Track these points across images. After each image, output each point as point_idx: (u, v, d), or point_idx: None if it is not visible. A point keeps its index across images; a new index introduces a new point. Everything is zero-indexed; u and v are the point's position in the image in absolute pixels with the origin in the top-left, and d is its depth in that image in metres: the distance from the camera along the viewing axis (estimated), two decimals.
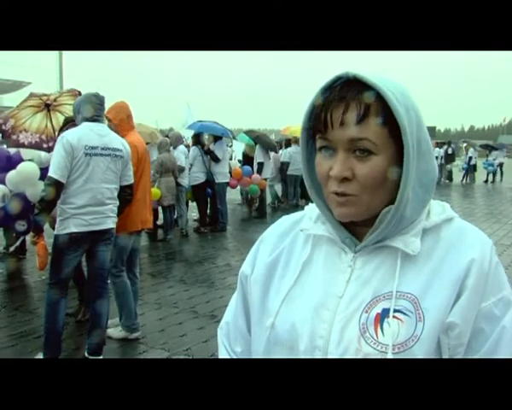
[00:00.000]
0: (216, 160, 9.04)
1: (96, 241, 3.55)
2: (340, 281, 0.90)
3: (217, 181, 9.12)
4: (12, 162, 5.41)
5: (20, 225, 5.40)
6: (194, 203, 9.51)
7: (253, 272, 1.03)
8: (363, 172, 0.83)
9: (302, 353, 0.88)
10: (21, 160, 5.32)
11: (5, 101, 28.66)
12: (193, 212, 9.98)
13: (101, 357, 3.66)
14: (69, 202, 3.41)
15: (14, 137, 4.94)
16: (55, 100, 5.13)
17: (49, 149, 4.59)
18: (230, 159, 11.91)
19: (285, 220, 1.06)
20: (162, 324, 4.55)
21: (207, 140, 9.31)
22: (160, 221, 8.71)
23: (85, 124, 3.51)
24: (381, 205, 0.86)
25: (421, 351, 0.81)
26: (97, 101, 3.56)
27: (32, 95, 5.33)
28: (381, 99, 0.81)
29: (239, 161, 12.47)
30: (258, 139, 11.37)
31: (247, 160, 11.63)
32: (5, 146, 5.81)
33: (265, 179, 11.22)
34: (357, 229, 0.91)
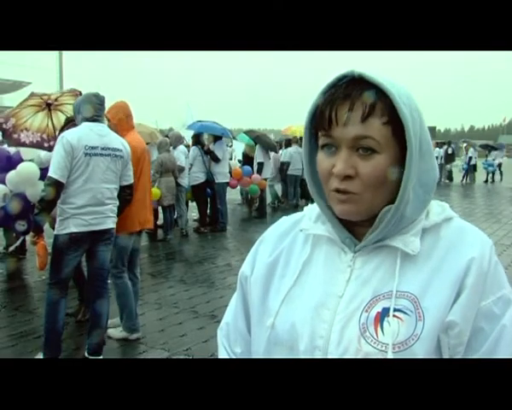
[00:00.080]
0: (216, 160, 9.04)
1: (96, 241, 3.55)
2: (340, 281, 0.90)
3: (217, 181, 9.12)
4: (12, 162, 5.41)
5: (20, 225, 5.40)
6: (194, 203, 9.50)
7: (252, 272, 1.03)
8: (366, 171, 0.83)
9: (302, 353, 0.88)
10: (21, 160, 5.32)
11: (5, 101, 28.67)
12: (193, 212, 9.98)
13: (101, 357, 3.66)
14: (69, 201, 3.41)
15: (15, 136, 4.94)
16: (56, 99, 5.13)
17: (50, 149, 4.59)
18: (230, 159, 11.91)
19: (285, 221, 1.06)
20: (162, 324, 4.55)
21: (207, 140, 9.31)
22: (160, 221, 8.70)
23: (85, 124, 3.51)
24: (381, 204, 0.86)
25: (421, 350, 0.81)
26: (97, 101, 3.56)
27: (32, 94, 5.32)
28: (385, 99, 0.82)
29: (239, 161, 12.47)
30: (258, 139, 11.37)
31: (247, 160, 11.62)
32: (6, 145, 5.82)
33: (265, 179, 11.22)
34: (356, 229, 0.92)
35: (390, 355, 0.81)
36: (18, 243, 6.29)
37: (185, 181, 8.68)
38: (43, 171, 4.70)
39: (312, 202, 0.99)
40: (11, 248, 6.31)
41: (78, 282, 4.52)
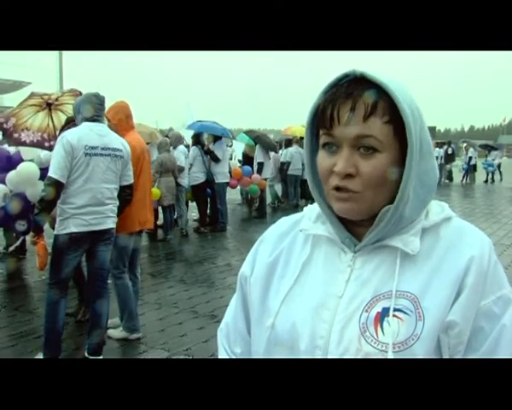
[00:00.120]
0: (216, 160, 9.04)
1: (96, 241, 3.55)
2: (340, 281, 0.90)
3: (217, 181, 9.12)
4: (12, 162, 5.41)
5: (20, 225, 5.40)
6: (194, 203, 9.51)
7: (252, 272, 1.03)
8: (367, 170, 0.83)
9: (302, 353, 0.88)
10: (21, 160, 5.32)
11: (5, 101, 28.66)
12: (193, 212, 9.98)
13: (101, 357, 3.66)
14: (69, 201, 3.41)
15: (16, 135, 4.94)
16: (56, 99, 5.13)
17: (51, 148, 4.59)
18: (230, 159, 11.91)
19: (284, 221, 1.06)
20: (162, 324, 4.55)
21: (207, 140, 9.31)
22: (160, 221, 8.71)
23: (85, 124, 3.51)
24: (382, 203, 0.86)
25: (421, 350, 0.81)
26: (97, 101, 3.56)
27: (32, 94, 5.33)
28: (386, 98, 0.82)
29: (239, 161, 12.47)
30: (258, 139, 11.37)
31: (247, 160, 11.62)
32: (6, 145, 5.81)
33: (265, 179, 11.22)
34: (356, 229, 0.92)
35: (390, 355, 0.81)
36: (18, 243, 6.29)
37: (185, 181, 8.68)
38: (43, 171, 4.70)
39: (312, 202, 0.99)
40: (11, 249, 6.31)
41: (78, 282, 4.52)
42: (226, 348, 1.06)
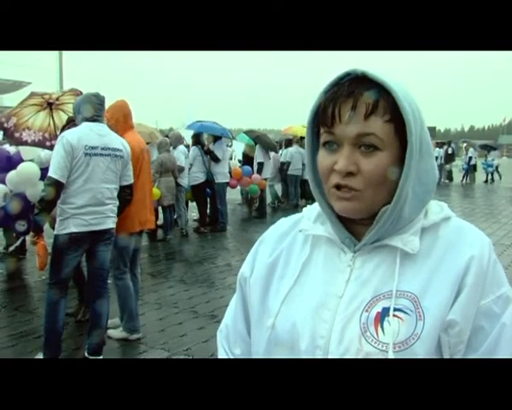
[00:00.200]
0: (216, 160, 9.05)
1: (96, 241, 3.55)
2: (340, 281, 0.90)
3: (217, 181, 9.12)
4: (12, 162, 5.41)
5: (20, 225, 5.40)
6: (194, 203, 9.51)
7: (252, 273, 1.03)
8: (368, 168, 0.83)
9: (303, 353, 0.88)
10: (21, 160, 5.32)
11: (5, 101, 28.68)
12: (193, 212, 9.98)
13: (101, 357, 3.66)
14: (69, 201, 3.41)
15: (17, 134, 4.94)
16: (57, 99, 5.13)
17: (52, 148, 4.60)
18: (230, 159, 11.91)
19: (284, 222, 1.06)
20: (162, 324, 4.55)
21: (207, 140, 9.31)
22: (160, 221, 8.71)
23: (85, 124, 3.51)
24: (381, 202, 0.86)
25: (421, 349, 0.81)
26: (97, 101, 3.56)
27: (32, 94, 5.32)
28: (387, 97, 0.83)
29: (239, 161, 12.47)
30: (258, 139, 11.36)
31: (247, 160, 11.62)
32: (8, 144, 5.81)
33: (265, 179, 11.22)
34: (356, 228, 0.92)
35: (391, 355, 0.81)
36: (18, 243, 6.29)
37: (185, 181, 8.68)
38: (44, 171, 4.70)
39: (312, 202, 0.99)
40: (11, 249, 6.31)
41: (78, 282, 4.52)
42: (226, 349, 1.06)
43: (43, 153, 5.21)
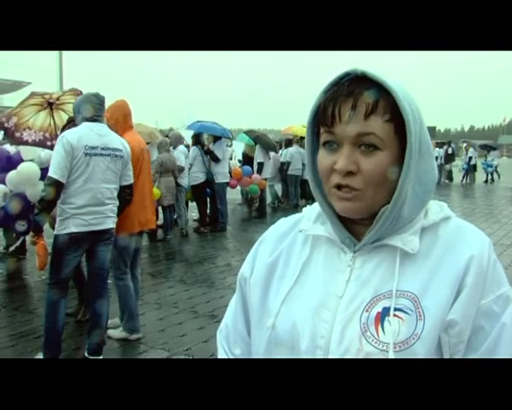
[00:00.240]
0: (216, 160, 9.05)
1: (96, 241, 3.55)
2: (340, 281, 0.90)
3: (217, 181, 9.13)
4: (12, 162, 5.41)
5: (20, 225, 5.40)
6: (194, 203, 9.51)
7: (252, 273, 1.03)
8: (368, 168, 0.83)
9: (303, 353, 0.88)
10: (21, 160, 5.32)
11: (5, 101, 28.69)
12: (193, 212, 9.98)
13: (101, 357, 3.66)
14: (69, 201, 3.41)
15: (18, 134, 4.94)
16: (57, 98, 5.13)
17: (53, 147, 4.61)
18: (230, 159, 11.91)
19: (284, 222, 1.06)
20: (162, 324, 4.55)
21: (207, 140, 9.31)
22: (160, 221, 8.71)
23: (85, 124, 3.51)
24: (381, 202, 0.86)
25: (421, 349, 0.81)
26: (97, 101, 3.56)
27: (33, 94, 5.32)
28: (387, 96, 0.83)
29: (239, 161, 12.47)
30: (258, 139, 11.36)
31: (247, 160, 11.62)
32: (8, 144, 5.81)
33: (265, 179, 11.22)
34: (356, 228, 0.92)
35: (391, 355, 0.81)
36: (18, 243, 6.29)
37: (185, 181, 8.68)
38: (44, 171, 4.70)
39: (312, 202, 0.99)
40: (11, 249, 6.31)
41: (78, 282, 4.52)
42: (226, 349, 1.06)
43: (43, 153, 5.21)
